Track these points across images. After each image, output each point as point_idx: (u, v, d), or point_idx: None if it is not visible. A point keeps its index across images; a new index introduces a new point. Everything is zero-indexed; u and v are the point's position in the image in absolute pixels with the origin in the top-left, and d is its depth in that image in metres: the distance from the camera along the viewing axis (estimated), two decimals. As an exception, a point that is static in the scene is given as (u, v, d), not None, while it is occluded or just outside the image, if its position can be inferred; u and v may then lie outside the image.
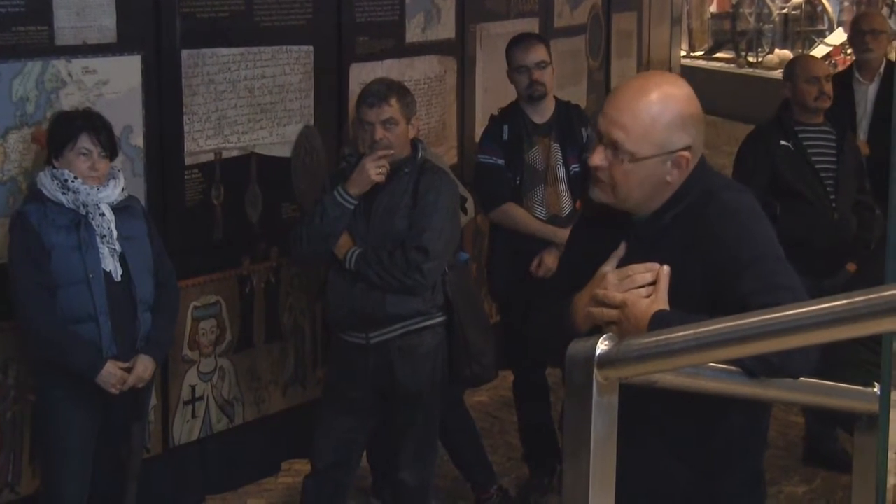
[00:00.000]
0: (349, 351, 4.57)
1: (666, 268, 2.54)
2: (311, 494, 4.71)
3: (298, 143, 5.46)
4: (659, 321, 2.45)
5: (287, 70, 5.37)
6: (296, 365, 5.61)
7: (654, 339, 2.15)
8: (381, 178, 4.44)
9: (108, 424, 4.30)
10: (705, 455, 2.71)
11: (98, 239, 4.16)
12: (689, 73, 12.39)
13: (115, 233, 4.19)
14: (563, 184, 5.28)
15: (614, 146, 2.65)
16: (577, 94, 7.28)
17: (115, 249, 4.19)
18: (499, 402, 6.31)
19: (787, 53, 15.79)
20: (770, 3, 17.10)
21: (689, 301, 2.54)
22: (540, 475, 5.45)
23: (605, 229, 2.77)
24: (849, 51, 14.88)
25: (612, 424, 2.08)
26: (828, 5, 16.82)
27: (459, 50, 6.44)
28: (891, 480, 2.77)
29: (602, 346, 2.08)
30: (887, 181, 2.52)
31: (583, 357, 2.08)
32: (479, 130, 5.79)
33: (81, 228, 4.14)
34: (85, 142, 4.16)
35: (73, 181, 4.12)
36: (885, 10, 14.87)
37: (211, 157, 5.10)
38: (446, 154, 6.18)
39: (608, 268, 2.60)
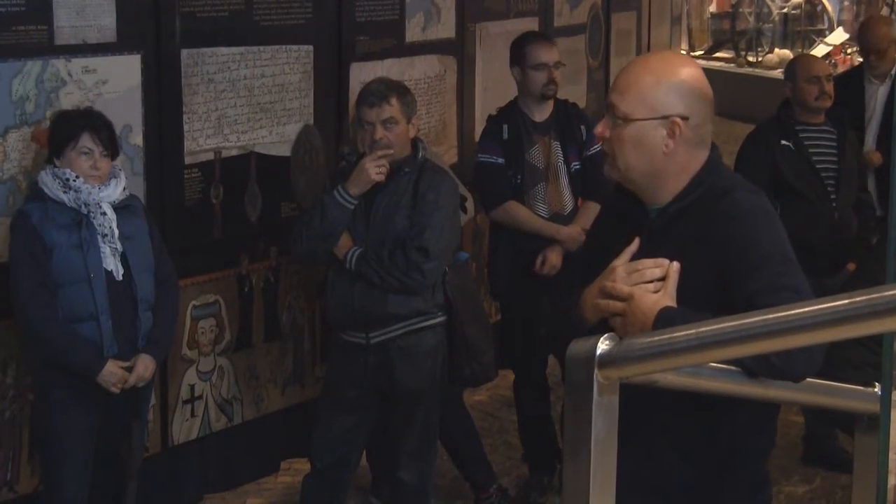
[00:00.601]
0: (349, 350, 4.57)
1: (675, 264, 2.54)
2: (310, 493, 4.71)
3: (298, 142, 5.45)
4: (664, 318, 2.45)
5: (287, 69, 5.37)
6: (295, 364, 5.61)
7: (654, 338, 2.14)
8: (380, 178, 4.44)
9: (108, 423, 4.30)
10: (711, 454, 2.71)
11: (99, 238, 4.15)
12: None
13: (116, 232, 4.18)
14: (564, 181, 5.29)
15: (613, 112, 2.70)
16: (577, 94, 7.28)
17: (116, 249, 4.19)
18: (499, 402, 6.31)
19: (786, 53, 15.80)
20: (769, 3, 17.10)
21: (696, 297, 2.54)
22: (540, 475, 5.45)
23: (621, 225, 2.78)
24: (849, 50, 14.91)
25: (612, 424, 2.07)
26: (827, 4, 16.81)
27: (459, 49, 6.44)
28: (891, 480, 2.78)
29: (603, 345, 2.08)
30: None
31: (583, 356, 2.08)
32: (478, 130, 5.79)
33: (83, 228, 4.14)
34: (86, 141, 4.15)
35: (74, 180, 4.12)
36: (885, 10, 14.85)
37: (210, 156, 5.09)
38: (446, 153, 6.18)
39: (620, 262, 2.60)
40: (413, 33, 6.07)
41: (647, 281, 2.55)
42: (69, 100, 4.48)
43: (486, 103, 6.33)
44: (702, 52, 17.90)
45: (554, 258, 5.17)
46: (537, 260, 5.19)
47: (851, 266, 5.52)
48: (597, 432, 2.05)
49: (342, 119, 5.61)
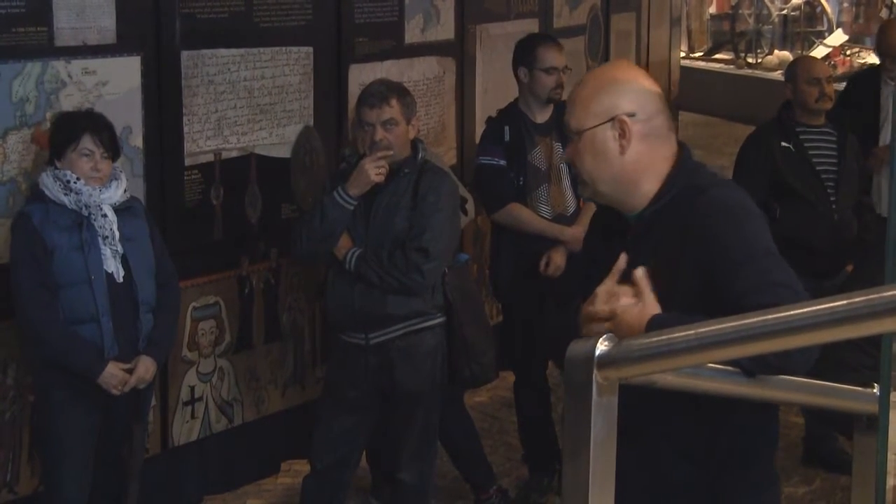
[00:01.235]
0: (349, 351, 4.57)
1: (639, 270, 2.53)
2: (310, 494, 4.72)
3: (298, 143, 5.46)
4: (657, 324, 2.43)
5: (287, 71, 5.37)
6: (295, 365, 5.61)
7: (653, 339, 2.15)
8: (380, 179, 4.44)
9: (109, 425, 4.30)
10: (711, 454, 2.71)
11: (100, 240, 4.15)
12: (688, 74, 12.43)
13: (117, 234, 4.18)
14: (566, 182, 5.30)
15: (570, 133, 2.78)
16: (577, 95, 7.27)
17: (117, 250, 4.19)
18: (499, 403, 6.32)
19: (786, 54, 15.81)
20: (769, 4, 17.11)
21: (684, 298, 2.54)
22: (540, 476, 5.45)
23: (607, 237, 2.81)
24: (848, 52, 14.91)
25: (612, 424, 2.08)
26: (827, 6, 16.83)
27: (459, 51, 6.44)
28: (890, 481, 2.78)
29: (602, 346, 2.08)
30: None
31: (583, 357, 2.08)
32: (478, 131, 5.79)
33: (83, 229, 4.14)
34: (87, 142, 4.15)
35: (75, 182, 4.12)
36: (885, 11, 14.86)
37: (210, 157, 5.10)
38: (445, 155, 6.17)
39: (609, 283, 2.59)
40: (412, 35, 6.08)
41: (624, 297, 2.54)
42: (69, 101, 4.48)
43: (485, 105, 6.34)
44: (701, 54, 17.92)
45: (558, 259, 5.17)
46: (541, 261, 5.20)
47: (851, 268, 5.52)
48: (596, 433, 2.05)
49: (342, 120, 5.61)
